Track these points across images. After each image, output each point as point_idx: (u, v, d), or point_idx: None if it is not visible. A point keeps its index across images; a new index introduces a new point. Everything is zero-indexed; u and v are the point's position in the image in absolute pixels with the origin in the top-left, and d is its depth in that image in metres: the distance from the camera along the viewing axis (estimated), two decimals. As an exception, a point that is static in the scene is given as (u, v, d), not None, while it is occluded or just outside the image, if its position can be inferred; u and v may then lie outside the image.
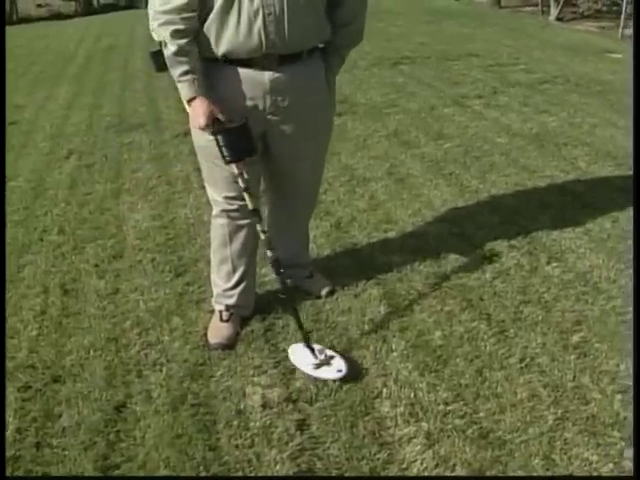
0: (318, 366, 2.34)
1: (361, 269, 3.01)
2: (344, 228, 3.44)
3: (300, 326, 2.42)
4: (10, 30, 12.99)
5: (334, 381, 2.30)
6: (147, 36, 8.71)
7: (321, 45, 2.37)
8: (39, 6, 18.18)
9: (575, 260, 3.05)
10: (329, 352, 2.40)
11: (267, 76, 2.25)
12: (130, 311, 2.82)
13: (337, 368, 2.32)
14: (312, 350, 2.38)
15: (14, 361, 2.54)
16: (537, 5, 11.05)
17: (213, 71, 2.26)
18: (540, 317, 2.64)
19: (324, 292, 2.81)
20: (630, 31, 8.64)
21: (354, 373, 2.35)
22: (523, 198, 3.74)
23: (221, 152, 2.24)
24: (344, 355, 2.40)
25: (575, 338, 2.51)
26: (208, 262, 3.10)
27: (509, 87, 6.17)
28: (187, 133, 5.07)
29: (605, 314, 2.65)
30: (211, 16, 2.15)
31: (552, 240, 3.22)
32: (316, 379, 2.32)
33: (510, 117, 5.24)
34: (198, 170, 4.29)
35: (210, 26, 2.17)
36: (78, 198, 4.08)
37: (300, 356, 2.41)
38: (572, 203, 3.65)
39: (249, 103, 2.28)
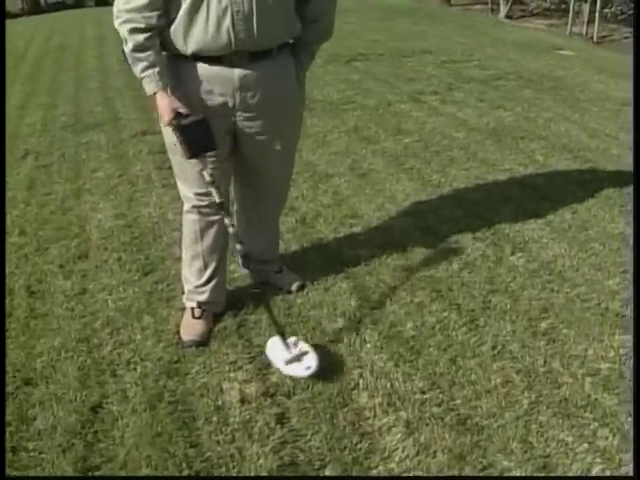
0: (290, 362, 2.33)
1: (329, 264, 3.03)
2: (310, 223, 3.45)
3: (273, 320, 2.43)
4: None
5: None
6: (98, 35, 8.63)
7: (291, 41, 2.38)
8: (-17, 5, 17.74)
9: (538, 250, 3.12)
10: (304, 347, 2.38)
11: (237, 73, 2.25)
12: (99, 311, 2.79)
13: (306, 365, 2.31)
14: (286, 344, 2.38)
15: (-19, 365, 2.50)
16: (487, 3, 11.21)
17: (182, 67, 2.26)
18: (508, 306, 2.70)
19: (294, 287, 2.82)
20: (578, 29, 8.84)
21: (325, 368, 2.34)
22: (484, 191, 3.80)
23: (181, 148, 2.24)
24: (320, 349, 2.40)
25: (543, 325, 2.58)
26: (175, 260, 3.10)
27: (464, 83, 6.25)
28: (145, 132, 5.10)
29: (570, 301, 2.72)
30: (179, 14, 2.15)
31: (515, 231, 3.29)
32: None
33: (466, 112, 5.32)
34: (159, 169, 4.31)
35: (179, 24, 2.17)
36: (38, 199, 4.01)
37: (275, 350, 2.40)
38: (532, 195, 3.73)
39: (219, 100, 2.28)
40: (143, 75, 2.20)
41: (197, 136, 2.23)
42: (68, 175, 4.38)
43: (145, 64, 2.18)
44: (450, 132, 4.83)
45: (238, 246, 2.41)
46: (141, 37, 2.15)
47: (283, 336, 2.41)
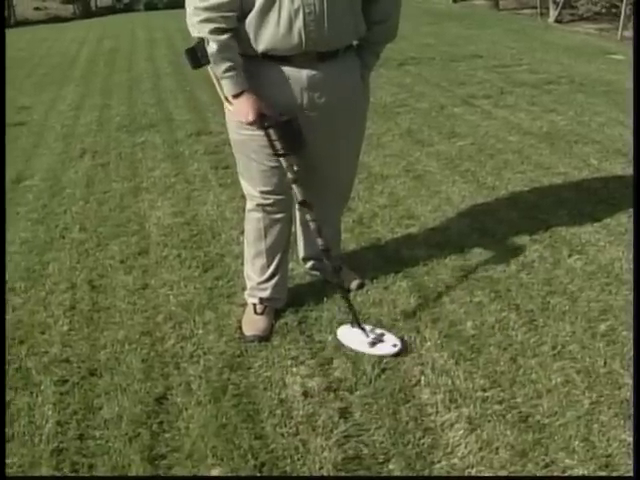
0: (373, 344, 2.45)
1: (388, 263, 3.05)
2: (367, 224, 3.48)
3: (350, 307, 2.53)
4: (9, 33, 13.01)
5: (377, 366, 2.38)
6: (149, 39, 8.83)
7: (355, 42, 2.42)
8: (37, 9, 18.21)
9: (596, 253, 3.10)
10: (378, 330, 2.51)
11: (305, 73, 2.29)
12: (161, 305, 2.85)
13: (392, 343, 2.45)
14: (363, 329, 2.48)
15: (47, 355, 2.56)
16: (535, 7, 11.12)
17: (252, 67, 2.29)
18: (567, 307, 2.69)
19: (354, 285, 2.85)
20: (630, 33, 8.72)
21: (405, 347, 2.48)
22: (539, 194, 3.79)
23: (272, 146, 2.29)
24: (391, 331, 2.54)
25: (602, 327, 2.56)
26: (235, 257, 3.16)
27: (515, 87, 6.23)
28: (200, 133, 5.19)
29: (629, 304, 2.70)
30: (252, 14, 2.18)
31: (572, 234, 3.28)
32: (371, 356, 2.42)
33: (519, 116, 5.31)
34: (215, 168, 4.38)
35: (250, 24, 2.20)
36: (96, 196, 4.11)
37: (352, 337, 2.51)
38: (588, 199, 3.70)
39: (287, 99, 2.31)
40: (226, 75, 2.23)
41: (290, 135, 2.28)
42: (125, 174, 4.48)
43: (229, 64, 2.21)
44: (504, 135, 4.82)
45: (319, 241, 2.48)
46: (224, 37, 2.17)
47: (359, 322, 2.51)
